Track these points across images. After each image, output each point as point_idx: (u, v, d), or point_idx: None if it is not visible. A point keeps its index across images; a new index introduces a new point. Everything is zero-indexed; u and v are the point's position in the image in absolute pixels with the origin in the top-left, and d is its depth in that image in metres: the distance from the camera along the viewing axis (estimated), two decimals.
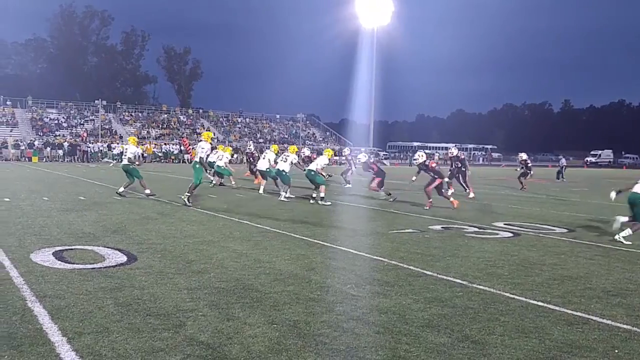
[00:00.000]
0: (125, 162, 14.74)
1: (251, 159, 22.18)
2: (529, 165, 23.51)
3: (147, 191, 14.56)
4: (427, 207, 13.90)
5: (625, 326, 4.74)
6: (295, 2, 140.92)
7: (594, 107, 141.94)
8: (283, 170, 15.51)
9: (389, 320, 4.71)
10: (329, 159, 16.20)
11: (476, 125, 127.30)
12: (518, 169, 23.84)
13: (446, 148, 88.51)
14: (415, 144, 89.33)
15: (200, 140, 13.99)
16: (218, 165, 19.31)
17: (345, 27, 69.64)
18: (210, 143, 14.14)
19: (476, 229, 10.48)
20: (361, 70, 67.52)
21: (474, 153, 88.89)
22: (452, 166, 19.04)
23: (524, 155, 24.00)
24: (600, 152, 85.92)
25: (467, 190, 18.25)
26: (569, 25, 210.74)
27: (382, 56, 70.62)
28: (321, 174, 14.85)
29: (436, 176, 14.41)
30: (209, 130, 64.46)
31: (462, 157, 19.65)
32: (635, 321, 4.89)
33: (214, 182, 19.63)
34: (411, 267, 6.82)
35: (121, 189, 14.72)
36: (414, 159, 15.09)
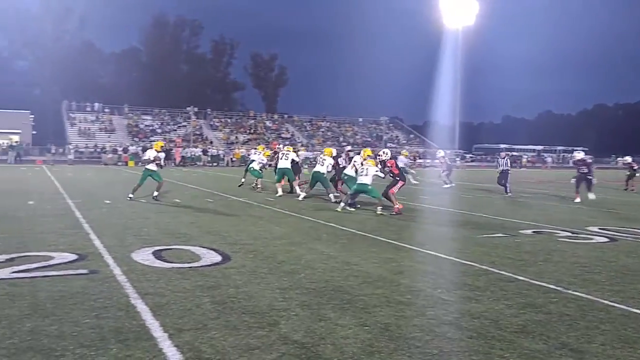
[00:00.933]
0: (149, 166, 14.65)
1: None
2: (635, 167, 23.07)
3: (156, 194, 14.56)
4: (395, 212, 12.61)
5: None
6: (378, 5, 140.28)
7: None
8: (322, 173, 15.28)
9: (481, 325, 4.63)
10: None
11: (566, 127, 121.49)
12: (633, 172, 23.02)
13: (533, 150, 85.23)
14: (502, 146, 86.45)
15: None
16: (252, 167, 19.02)
17: (429, 28, 68.88)
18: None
19: (569, 234, 10.05)
20: (445, 71, 66.49)
21: (564, 155, 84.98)
22: (577, 171, 17.42)
23: (628, 159, 24.13)
24: None
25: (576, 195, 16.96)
26: None
27: (466, 56, 69.12)
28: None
29: (398, 178, 13.38)
30: (294, 135, 65.64)
31: (589, 161, 17.87)
32: None
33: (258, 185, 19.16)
34: (502, 272, 6.65)
35: (155, 193, 14.66)
36: (378, 155, 14.28)
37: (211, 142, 57.95)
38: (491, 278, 6.35)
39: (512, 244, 8.78)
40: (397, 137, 73.92)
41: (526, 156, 71.78)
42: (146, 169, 14.72)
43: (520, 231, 10.25)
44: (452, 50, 66.53)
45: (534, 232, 10.25)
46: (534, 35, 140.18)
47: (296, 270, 6.51)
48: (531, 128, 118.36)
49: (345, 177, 14.29)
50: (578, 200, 16.75)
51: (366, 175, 12.69)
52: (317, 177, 15.34)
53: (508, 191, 19.00)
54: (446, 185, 22.47)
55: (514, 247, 8.48)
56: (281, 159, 17.18)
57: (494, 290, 5.79)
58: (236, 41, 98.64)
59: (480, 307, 5.14)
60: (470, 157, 70.37)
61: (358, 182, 12.85)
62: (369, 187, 12.67)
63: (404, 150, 29.51)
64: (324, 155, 15.85)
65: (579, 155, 17.93)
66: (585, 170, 17.12)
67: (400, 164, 24.52)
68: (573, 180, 17.52)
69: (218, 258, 7.12)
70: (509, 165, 19.88)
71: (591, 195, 16.88)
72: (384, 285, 5.88)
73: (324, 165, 15.36)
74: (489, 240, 9.20)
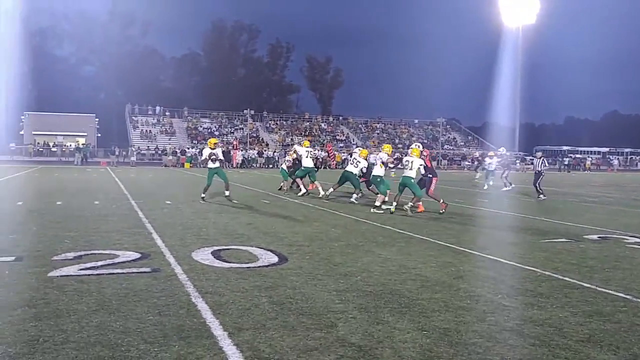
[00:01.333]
0: (211, 165, 14.94)
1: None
2: None
3: (227, 193, 15.04)
4: (443, 210, 12.79)
5: None
6: (435, 4, 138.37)
7: None
8: (354, 174, 15.17)
9: (545, 333, 4.48)
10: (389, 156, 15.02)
11: (633, 128, 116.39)
12: None
13: (598, 152, 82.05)
14: (565, 148, 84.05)
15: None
16: (282, 168, 19.09)
17: (488, 27, 67.45)
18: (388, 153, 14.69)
19: (638, 240, 9.61)
20: (505, 71, 64.97)
21: (631, 157, 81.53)
22: None
23: None
24: None
25: None
26: None
27: (527, 56, 67.35)
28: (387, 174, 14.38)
29: (430, 174, 13.27)
30: (349, 137, 65.67)
31: None
32: None
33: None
34: (566, 279, 6.42)
35: (227, 192, 15.13)
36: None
37: (267, 144, 58.67)
38: (554, 284, 6.15)
39: (576, 250, 8.48)
40: (454, 138, 72.76)
41: (590, 158, 69.19)
42: (209, 168, 15.05)
43: (585, 236, 9.89)
44: (511, 49, 65.01)
45: (599, 237, 9.87)
46: (598, 33, 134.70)
47: (353, 273, 6.49)
48: (596, 129, 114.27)
49: (379, 180, 14.09)
50: None
51: (411, 169, 12.70)
52: (347, 177, 15.25)
53: (540, 195, 18.35)
54: (506, 188, 21.96)
55: (579, 253, 8.19)
56: (306, 157, 17.15)
57: (557, 297, 5.60)
58: (292, 44, 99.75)
59: (543, 314, 4.98)
60: (531, 159, 68.34)
61: (403, 175, 12.82)
62: (413, 180, 12.70)
63: (491, 152, 28.72)
64: (359, 156, 15.55)
65: None
66: None
67: (491, 167, 23.97)
68: None
69: (275, 259, 7.19)
70: (545, 166, 19.20)
71: None
72: (443, 290, 5.79)
73: (358, 168, 15.23)
74: (552, 245, 8.91)
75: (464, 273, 6.68)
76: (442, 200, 13.08)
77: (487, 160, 24.82)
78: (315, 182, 17.36)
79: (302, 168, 17.25)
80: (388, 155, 14.45)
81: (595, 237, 9.90)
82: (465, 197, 18.89)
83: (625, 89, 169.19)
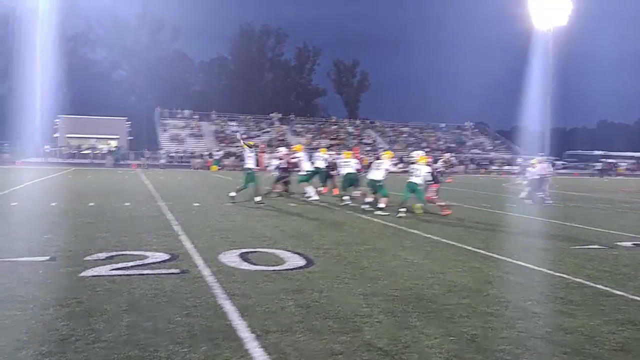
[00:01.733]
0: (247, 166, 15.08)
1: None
2: None
3: (258, 198, 14.76)
4: (449, 213, 13.12)
5: None
6: (464, 7, 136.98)
7: None
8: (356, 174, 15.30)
9: (576, 340, 4.40)
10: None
11: None
12: None
13: (632, 157, 79.99)
14: (597, 152, 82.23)
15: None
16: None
17: (518, 30, 66.48)
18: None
19: None
20: (535, 74, 63.96)
21: None
22: None
23: None
24: None
25: None
26: None
27: (558, 58, 66.19)
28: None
29: (432, 180, 13.38)
30: (376, 141, 65.46)
31: None
32: None
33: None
34: (599, 286, 6.30)
35: (258, 198, 14.86)
36: (411, 157, 13.81)
37: None
38: (586, 292, 6.04)
39: (609, 257, 8.31)
40: (482, 142, 71.93)
41: (624, 163, 67.61)
42: (247, 172, 15.13)
43: (618, 243, 9.69)
44: (542, 52, 64.03)
45: (634, 244, 9.66)
46: (632, 35, 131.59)
47: (379, 277, 6.47)
48: (630, 133, 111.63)
49: (379, 184, 13.86)
50: None
51: (418, 176, 12.97)
52: (351, 179, 15.28)
53: (545, 199, 18.04)
54: (540, 195, 21.55)
55: (611, 260, 8.02)
56: (305, 160, 17.41)
57: (589, 304, 5.51)
58: (319, 48, 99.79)
59: (574, 322, 4.90)
60: (562, 164, 67.14)
61: (409, 181, 13.05)
62: (419, 187, 12.94)
63: (534, 160, 27.95)
64: (347, 158, 15.94)
65: None
66: None
67: (535, 176, 23.56)
68: None
69: (302, 262, 7.21)
70: (550, 171, 18.92)
71: None
72: (470, 295, 5.73)
73: (354, 168, 15.46)
74: (583, 252, 8.75)
75: (492, 279, 6.61)
76: (444, 203, 13.42)
77: (530, 169, 24.36)
78: (327, 186, 17.65)
79: (306, 172, 17.37)
80: (388, 160, 14.46)
81: (629, 244, 9.70)
82: (493, 202, 18.68)
83: None
